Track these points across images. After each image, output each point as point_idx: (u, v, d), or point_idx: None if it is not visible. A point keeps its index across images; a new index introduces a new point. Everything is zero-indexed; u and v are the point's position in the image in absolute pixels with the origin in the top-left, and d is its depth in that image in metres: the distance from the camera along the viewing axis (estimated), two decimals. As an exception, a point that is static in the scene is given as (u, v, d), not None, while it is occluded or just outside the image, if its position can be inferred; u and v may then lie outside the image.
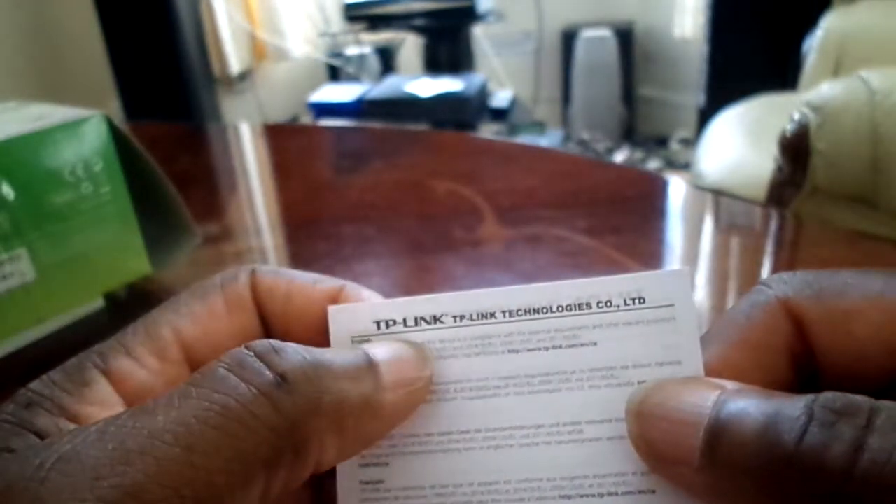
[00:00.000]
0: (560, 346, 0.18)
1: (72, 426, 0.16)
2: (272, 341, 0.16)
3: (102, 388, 0.17)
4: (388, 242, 0.51)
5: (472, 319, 0.19)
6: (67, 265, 0.40)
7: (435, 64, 2.26)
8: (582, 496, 0.17)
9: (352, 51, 2.38)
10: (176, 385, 0.18)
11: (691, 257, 0.48)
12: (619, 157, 2.48)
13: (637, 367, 0.18)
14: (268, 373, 0.15)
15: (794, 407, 0.14)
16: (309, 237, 0.53)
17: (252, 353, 0.15)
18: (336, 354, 0.17)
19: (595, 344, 0.18)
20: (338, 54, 2.41)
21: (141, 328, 0.19)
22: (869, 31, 1.44)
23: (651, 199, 0.58)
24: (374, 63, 2.37)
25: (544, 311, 0.19)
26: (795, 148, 0.99)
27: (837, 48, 1.45)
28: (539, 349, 0.18)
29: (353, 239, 0.51)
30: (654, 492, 0.17)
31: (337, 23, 2.43)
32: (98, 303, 0.42)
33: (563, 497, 0.17)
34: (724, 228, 0.53)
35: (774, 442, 0.14)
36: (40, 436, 0.15)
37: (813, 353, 0.17)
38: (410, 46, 2.47)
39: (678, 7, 2.47)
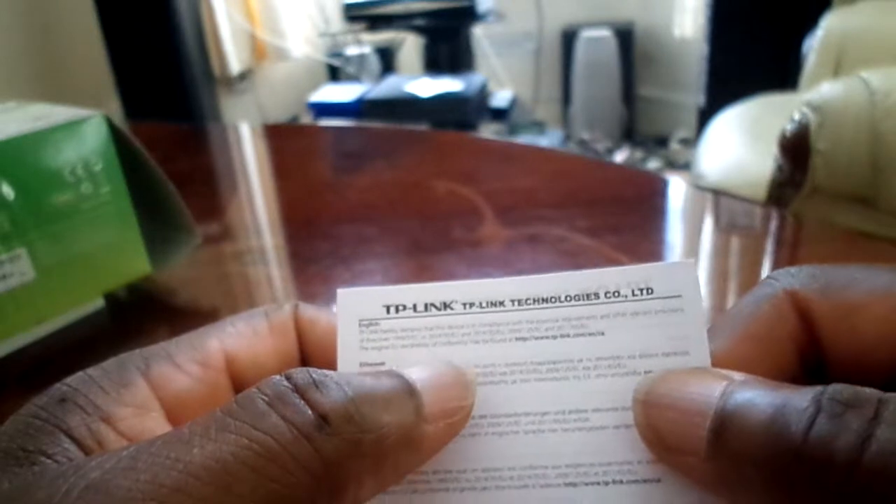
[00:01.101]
0: (568, 335, 0.18)
1: (103, 427, 0.16)
2: (312, 372, 0.15)
3: (141, 391, 0.17)
4: (388, 242, 0.51)
5: (481, 307, 0.19)
6: (67, 265, 0.40)
7: (435, 64, 2.26)
8: (587, 484, 0.17)
9: (352, 51, 2.38)
10: (216, 395, 0.18)
11: (691, 257, 0.48)
12: (619, 157, 2.48)
13: (644, 357, 0.18)
14: (309, 412, 0.14)
15: (801, 398, 0.14)
16: (309, 237, 0.53)
17: (292, 387, 0.15)
18: (377, 382, 0.16)
19: (603, 333, 0.18)
20: (338, 54, 2.41)
21: (185, 338, 0.19)
22: (869, 31, 1.44)
23: (651, 199, 0.58)
24: (374, 63, 2.37)
25: (553, 300, 0.19)
26: (795, 148, 0.99)
27: (837, 48, 1.45)
28: (547, 337, 0.18)
29: (353, 239, 0.51)
30: (659, 480, 0.17)
31: (337, 23, 2.43)
32: (98, 303, 0.42)
33: (567, 484, 0.17)
34: (724, 228, 0.53)
35: (782, 433, 0.14)
36: (71, 436, 0.15)
37: (820, 346, 0.17)
38: (410, 46, 2.47)
39: (678, 7, 2.47)
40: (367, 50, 2.38)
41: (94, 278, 0.42)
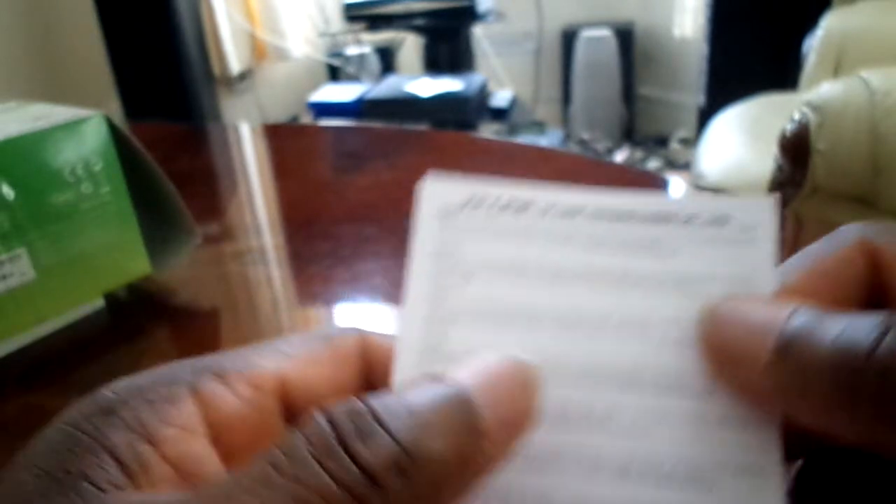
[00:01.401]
0: (640, 251, 0.19)
1: (148, 449, 0.15)
2: (355, 416, 0.14)
3: (187, 410, 0.16)
4: (388, 242, 0.51)
5: (559, 214, 0.19)
6: (67, 265, 0.40)
7: (435, 64, 2.26)
8: (640, 386, 0.18)
9: (352, 51, 2.38)
10: (264, 420, 0.17)
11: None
12: (619, 157, 2.48)
13: (711, 281, 0.18)
14: (356, 470, 0.13)
15: (870, 318, 0.14)
16: (309, 237, 0.53)
17: (336, 436, 0.14)
18: (429, 404, 0.14)
19: (674, 254, 0.19)
20: (338, 54, 2.41)
21: (239, 355, 0.18)
22: (869, 31, 1.44)
23: (651, 198, 0.58)
24: (374, 63, 2.37)
25: (630, 217, 0.19)
26: (795, 148, 0.99)
27: (837, 48, 1.45)
28: (619, 250, 0.19)
29: (353, 239, 0.51)
30: (710, 394, 0.17)
31: (337, 22, 2.43)
32: (98, 303, 0.42)
33: (621, 383, 0.18)
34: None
35: (850, 345, 0.14)
36: (114, 455, 0.15)
37: (885, 292, 0.17)
38: (410, 46, 2.47)
39: (678, 7, 2.47)
40: (367, 50, 2.38)
41: (94, 278, 0.42)
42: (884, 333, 0.14)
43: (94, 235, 0.41)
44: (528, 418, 0.16)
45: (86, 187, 0.40)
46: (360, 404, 0.14)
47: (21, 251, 0.38)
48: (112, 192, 0.41)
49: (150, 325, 0.43)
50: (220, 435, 0.17)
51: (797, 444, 0.18)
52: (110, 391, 0.16)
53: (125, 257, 0.43)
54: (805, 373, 0.15)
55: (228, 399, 0.17)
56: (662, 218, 0.19)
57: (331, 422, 0.14)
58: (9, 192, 0.37)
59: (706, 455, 0.17)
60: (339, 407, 0.14)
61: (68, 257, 0.40)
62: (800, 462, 0.18)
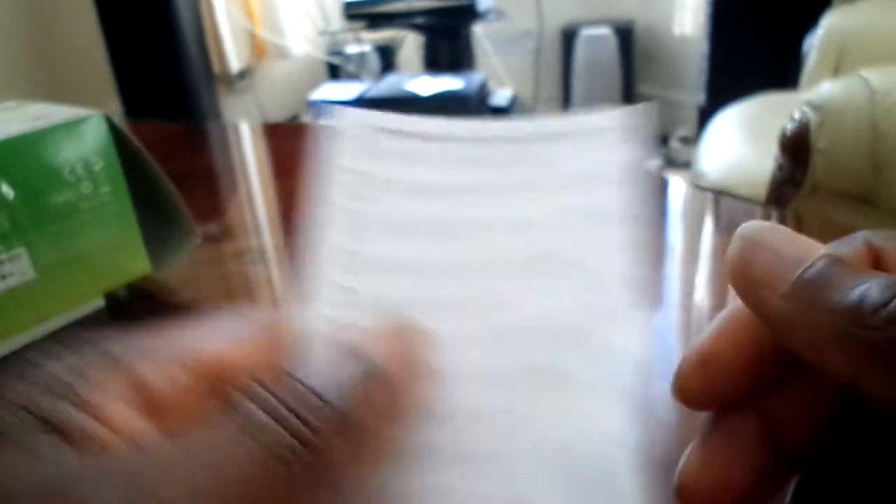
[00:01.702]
0: (511, 165, 0.23)
1: (97, 426, 0.16)
2: (298, 391, 0.16)
3: (122, 384, 0.17)
4: (388, 242, 0.51)
5: (442, 138, 0.24)
6: (67, 265, 0.40)
7: (435, 62, 2.26)
8: (501, 275, 0.21)
9: (352, 49, 2.38)
10: (193, 393, 0.18)
11: (691, 257, 0.48)
12: (620, 155, 2.48)
13: (575, 185, 0.22)
14: (307, 431, 0.16)
15: (886, 278, 0.16)
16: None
17: (285, 407, 0.16)
18: (351, 377, 0.17)
19: (547, 164, 0.23)
20: (338, 53, 2.41)
21: (174, 337, 0.19)
22: (869, 30, 1.44)
23: (651, 198, 0.58)
24: (375, 61, 2.37)
25: (498, 139, 0.23)
26: (796, 147, 0.99)
27: (838, 47, 1.45)
28: (502, 166, 0.23)
29: (353, 238, 0.51)
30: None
31: (337, 21, 2.43)
32: (98, 302, 0.42)
33: (483, 272, 0.21)
34: (724, 228, 0.53)
35: (863, 295, 0.15)
36: (63, 434, 0.16)
37: None
38: (410, 45, 2.47)
39: (678, 5, 2.47)
40: (367, 48, 2.38)
41: (94, 278, 0.42)
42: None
43: (94, 235, 0.41)
44: (424, 370, 0.19)
45: (86, 187, 0.40)
46: (300, 386, 0.17)
47: (21, 251, 0.38)
48: (112, 192, 0.41)
49: (150, 324, 0.43)
50: (152, 414, 0.18)
51: (796, 458, 0.18)
52: (48, 374, 0.17)
53: (125, 257, 0.43)
54: (817, 310, 0.16)
55: (160, 380, 0.18)
56: (532, 138, 0.23)
57: (277, 396, 0.16)
58: (9, 192, 0.37)
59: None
60: (283, 382, 0.17)
61: (68, 257, 0.40)
62: (798, 476, 0.19)
